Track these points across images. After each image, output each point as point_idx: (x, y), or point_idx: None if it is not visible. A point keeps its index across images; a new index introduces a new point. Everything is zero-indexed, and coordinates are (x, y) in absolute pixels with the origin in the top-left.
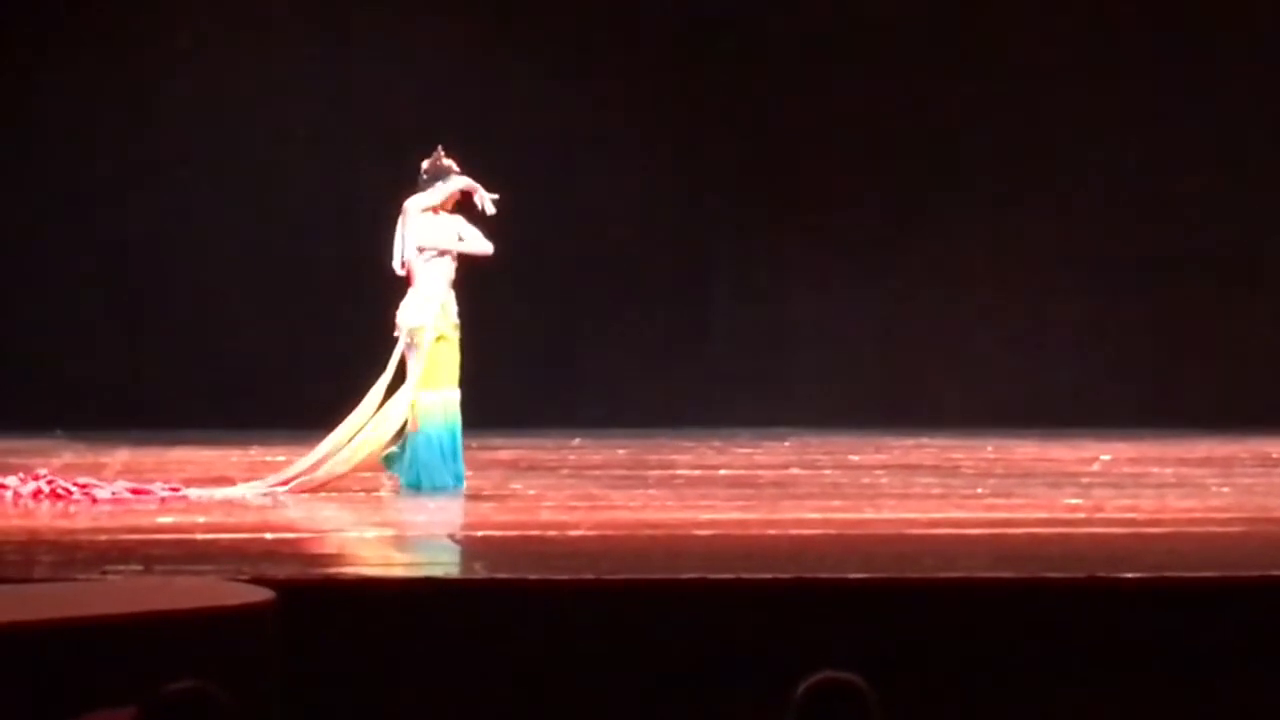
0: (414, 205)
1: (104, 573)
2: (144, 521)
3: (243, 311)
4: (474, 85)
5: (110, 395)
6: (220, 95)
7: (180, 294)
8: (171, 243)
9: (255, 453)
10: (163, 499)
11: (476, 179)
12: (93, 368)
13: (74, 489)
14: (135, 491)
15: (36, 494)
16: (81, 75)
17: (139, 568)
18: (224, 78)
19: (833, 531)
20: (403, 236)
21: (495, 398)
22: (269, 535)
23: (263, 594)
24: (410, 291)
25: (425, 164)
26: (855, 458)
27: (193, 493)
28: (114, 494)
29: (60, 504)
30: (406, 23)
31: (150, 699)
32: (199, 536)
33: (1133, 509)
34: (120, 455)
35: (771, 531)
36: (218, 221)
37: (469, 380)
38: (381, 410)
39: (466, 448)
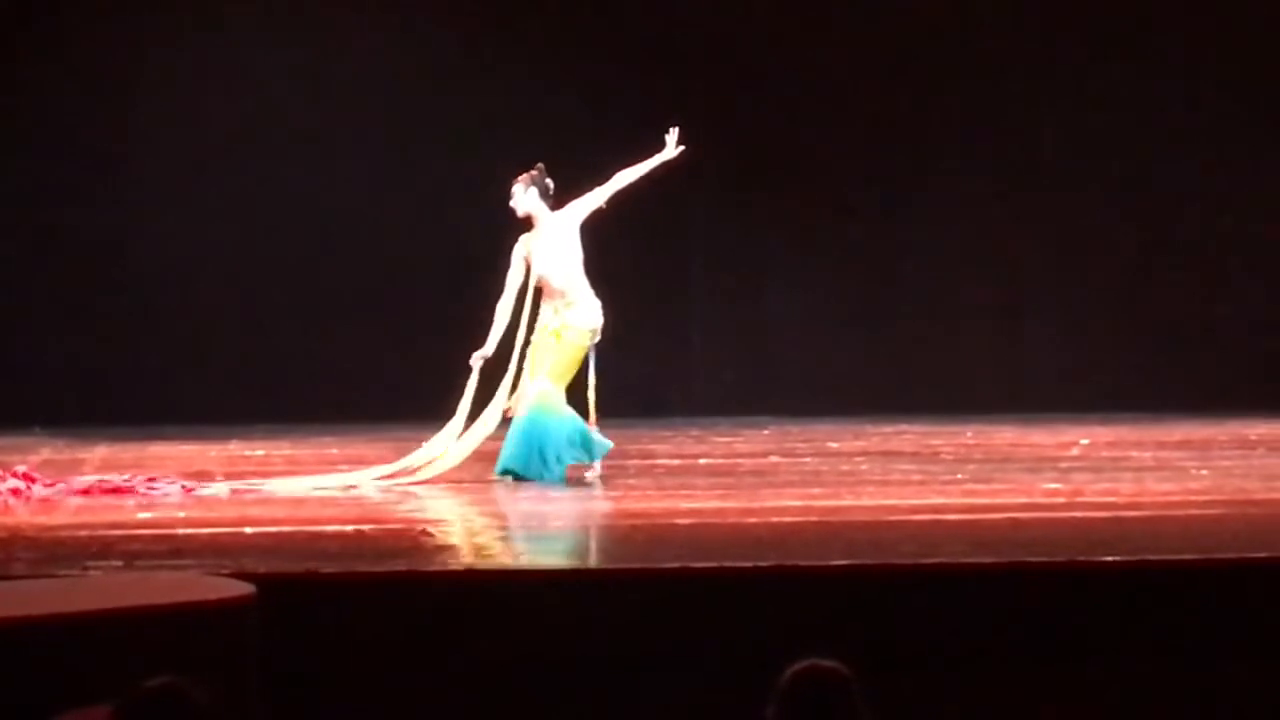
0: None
1: (85, 569)
2: (125, 517)
3: (222, 307)
4: (462, 83)
5: (88, 391)
6: (207, 94)
7: (158, 289)
8: (148, 239)
9: (234, 447)
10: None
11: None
12: (70, 363)
13: (137, 485)
14: (188, 490)
15: (15, 492)
16: (64, 68)
17: (119, 563)
18: (212, 77)
19: (813, 519)
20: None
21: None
22: (249, 530)
23: (243, 589)
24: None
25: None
26: (835, 445)
27: (213, 488)
28: (168, 489)
29: (128, 499)
30: (402, 19)
31: (125, 696)
32: (179, 532)
33: (1112, 493)
34: (99, 451)
35: (752, 520)
36: (196, 217)
37: (456, 373)
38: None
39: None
